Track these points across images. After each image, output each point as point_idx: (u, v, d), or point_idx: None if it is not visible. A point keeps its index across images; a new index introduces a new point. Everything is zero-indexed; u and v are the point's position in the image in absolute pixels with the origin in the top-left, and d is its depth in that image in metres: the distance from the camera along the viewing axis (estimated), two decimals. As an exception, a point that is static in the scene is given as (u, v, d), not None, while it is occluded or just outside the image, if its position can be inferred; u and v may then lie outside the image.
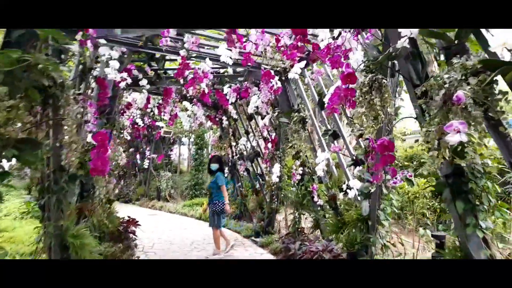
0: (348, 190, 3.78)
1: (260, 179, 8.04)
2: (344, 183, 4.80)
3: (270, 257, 6.08)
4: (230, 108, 7.99)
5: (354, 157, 4.46)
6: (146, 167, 13.71)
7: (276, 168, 6.13)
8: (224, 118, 8.59)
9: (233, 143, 8.94)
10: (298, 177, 5.52)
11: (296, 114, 5.52)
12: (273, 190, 7.17)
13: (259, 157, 8.15)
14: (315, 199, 5.09)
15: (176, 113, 8.46)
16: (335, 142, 5.04)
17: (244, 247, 6.80)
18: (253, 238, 7.35)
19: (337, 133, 5.04)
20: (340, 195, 4.74)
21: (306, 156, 5.81)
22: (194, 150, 13.25)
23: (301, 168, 5.56)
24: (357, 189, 3.69)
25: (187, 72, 4.76)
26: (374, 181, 2.88)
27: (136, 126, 6.42)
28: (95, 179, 4.26)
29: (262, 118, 7.69)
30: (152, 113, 12.46)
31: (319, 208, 5.48)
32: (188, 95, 6.70)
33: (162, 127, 12.94)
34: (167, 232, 8.24)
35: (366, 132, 3.11)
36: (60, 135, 2.97)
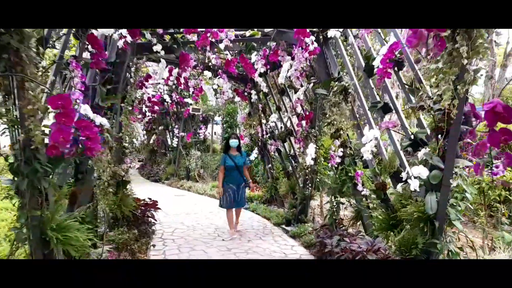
0: (409, 180, 2.81)
1: (293, 161, 7.15)
2: (394, 168, 3.81)
3: (302, 250, 5.26)
4: (260, 80, 7.07)
5: (412, 136, 3.45)
6: (175, 145, 13.23)
7: (311, 148, 5.21)
8: (253, 92, 7.69)
9: (263, 121, 8.07)
10: (338, 159, 4.58)
11: (336, 83, 4.52)
12: (307, 173, 6.28)
13: (291, 136, 7.23)
14: (359, 187, 4.13)
15: (201, 86, 7.68)
16: (386, 117, 4.03)
17: (272, 237, 6.03)
18: (283, 226, 6.56)
19: (389, 106, 4.01)
20: (394, 185, 3.76)
21: (347, 135, 4.84)
22: (223, 128, 12.53)
23: (341, 149, 4.60)
24: (421, 179, 2.72)
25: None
26: (473, 171, 1.91)
27: (152, 100, 5.74)
28: (94, 159, 3.58)
29: (296, 92, 6.72)
30: (180, 89, 11.85)
31: (362, 197, 4.54)
32: (210, 64, 5.86)
33: (191, 104, 12.31)
34: (192, 215, 7.66)
35: (445, 98, 2.11)
36: (23, 102, 2.25)
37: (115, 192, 5.45)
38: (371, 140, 3.47)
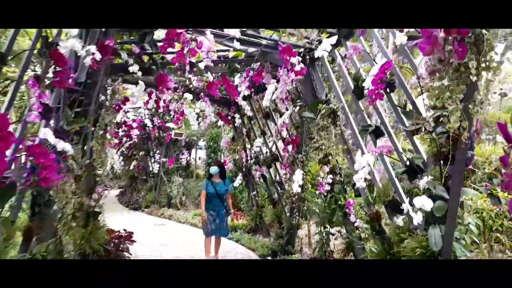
0: (412, 213, 2.50)
1: (279, 188, 6.81)
2: (389, 197, 3.51)
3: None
4: (243, 104, 6.82)
5: (408, 162, 3.18)
6: (156, 171, 12.72)
7: (298, 175, 4.90)
8: (237, 116, 7.42)
9: (248, 145, 7.76)
10: (327, 187, 4.27)
11: (324, 106, 4.28)
12: (294, 201, 5.93)
13: (277, 162, 6.93)
14: (352, 217, 3.80)
15: (183, 110, 7.37)
16: (377, 141, 3.78)
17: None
18: (269, 258, 6.13)
19: (380, 130, 3.77)
20: (389, 215, 3.45)
21: (336, 160, 4.56)
22: (207, 154, 12.15)
23: (331, 176, 4.30)
24: (423, 211, 2.42)
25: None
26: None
27: (128, 124, 5.34)
28: (56, 189, 3.16)
29: (281, 116, 6.49)
30: (161, 113, 11.50)
31: (354, 227, 4.20)
32: (192, 87, 5.57)
33: (173, 129, 11.93)
34: (170, 247, 7.13)
35: (453, 120, 1.84)
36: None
37: (85, 224, 4.97)
38: (363, 167, 3.18)
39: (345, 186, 4.57)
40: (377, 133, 3.78)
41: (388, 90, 3.56)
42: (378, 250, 3.39)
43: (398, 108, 3.42)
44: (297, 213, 5.94)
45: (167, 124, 11.64)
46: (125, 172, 16.72)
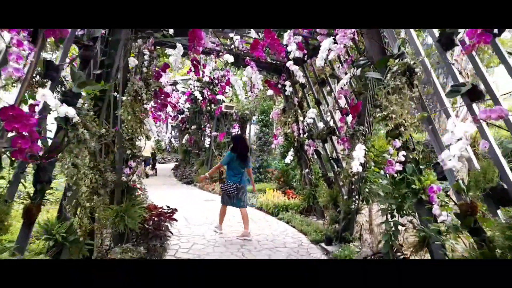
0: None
1: (335, 165, 5.92)
2: (493, 183, 2.50)
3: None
4: (295, 69, 5.94)
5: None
6: (207, 146, 12.41)
7: (359, 151, 3.99)
8: (288, 84, 6.54)
9: (300, 117, 6.90)
10: (398, 167, 3.32)
11: (396, 61, 3.28)
12: (353, 182, 5.04)
13: (333, 136, 6.00)
14: (436, 210, 2.84)
15: (228, 78, 6.69)
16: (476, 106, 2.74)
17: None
18: (323, 245, 5.37)
19: (479, 90, 2.72)
20: (491, 209, 2.47)
21: (409, 133, 3.56)
22: (258, 128, 11.48)
23: (403, 153, 3.34)
24: None
25: None
26: None
27: (162, 92, 4.81)
28: (63, 163, 2.67)
29: (339, 82, 5.52)
30: (211, 85, 11.00)
31: (431, 217, 3.25)
32: (234, 48, 4.82)
33: (224, 102, 11.40)
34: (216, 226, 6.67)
35: None
36: None
37: (119, 201, 4.61)
38: (459, 140, 2.21)
39: (420, 166, 3.59)
40: (474, 94, 2.73)
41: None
42: (474, 254, 2.45)
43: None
44: (356, 196, 5.04)
45: (217, 97, 11.13)
46: (179, 146, 16.83)
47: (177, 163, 17.40)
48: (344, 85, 4.93)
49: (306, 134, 6.72)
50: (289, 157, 7.51)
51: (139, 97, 4.05)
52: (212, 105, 12.00)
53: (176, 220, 5.46)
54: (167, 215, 5.43)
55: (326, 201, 5.83)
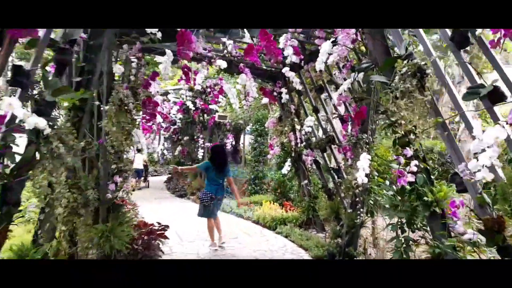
0: None
1: (335, 176, 5.62)
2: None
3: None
4: (291, 75, 5.68)
5: None
6: (200, 157, 12.04)
7: (364, 160, 3.69)
8: (284, 91, 6.27)
9: (297, 126, 6.62)
10: (410, 178, 3.03)
11: (405, 62, 3.01)
12: (356, 193, 4.73)
13: (333, 144, 5.72)
14: (459, 227, 2.53)
15: (221, 87, 6.40)
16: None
17: (312, 279, 4.51)
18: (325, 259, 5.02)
19: (500, 91, 2.45)
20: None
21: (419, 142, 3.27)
22: (253, 137, 11.18)
23: (415, 163, 3.05)
24: None
25: None
26: None
27: (151, 101, 4.50)
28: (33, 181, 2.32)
29: (337, 88, 5.26)
30: (204, 94, 10.72)
31: (446, 232, 2.96)
32: (227, 54, 4.53)
33: (217, 111, 11.10)
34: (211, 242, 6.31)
35: None
36: None
37: (105, 219, 4.25)
38: (489, 147, 1.92)
39: (430, 176, 3.31)
40: (496, 96, 2.46)
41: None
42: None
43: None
44: (361, 207, 4.73)
45: (210, 106, 10.83)
46: (172, 158, 16.43)
47: (169, 175, 16.96)
48: (344, 91, 4.66)
49: (304, 143, 6.43)
50: (286, 168, 7.20)
51: (125, 107, 3.72)
52: (205, 115, 11.69)
53: (167, 238, 5.10)
54: (158, 232, 5.07)
55: (327, 214, 5.51)
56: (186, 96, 10.56)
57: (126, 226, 4.55)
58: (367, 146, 4.33)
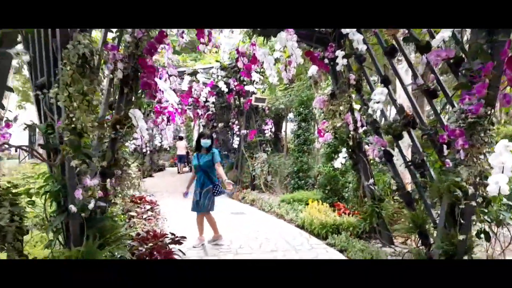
0: None
1: (417, 174, 3.86)
2: None
3: None
4: (352, 31, 3.97)
5: None
6: (236, 146, 10.63)
7: (507, 154, 1.96)
8: (340, 54, 4.50)
9: (356, 105, 4.91)
10: None
11: None
12: (461, 204, 2.97)
13: (413, 128, 3.96)
14: None
15: (254, 54, 4.87)
16: None
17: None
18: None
19: None
20: None
21: None
22: (296, 123, 9.53)
23: None
24: None
25: None
26: None
27: (147, 68, 3.13)
28: None
29: (423, 50, 3.50)
30: (239, 74, 9.20)
31: None
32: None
33: (254, 93, 9.56)
34: (243, 253, 4.86)
35: None
36: None
37: (79, 239, 2.92)
38: None
39: None
40: None
41: None
42: None
43: None
44: (469, 228, 2.99)
45: (246, 88, 9.31)
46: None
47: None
48: (444, 42, 2.89)
49: (367, 126, 4.70)
50: (341, 160, 5.53)
51: (89, 67, 2.28)
52: (241, 98, 10.21)
53: (183, 254, 3.77)
54: (165, 251, 3.69)
55: (406, 229, 3.79)
56: (218, 76, 9.11)
57: (118, 244, 3.22)
58: (491, 131, 2.56)
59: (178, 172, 16.29)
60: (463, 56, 3.32)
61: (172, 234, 4.36)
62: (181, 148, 16.52)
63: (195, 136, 25.30)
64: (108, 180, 3.48)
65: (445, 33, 2.93)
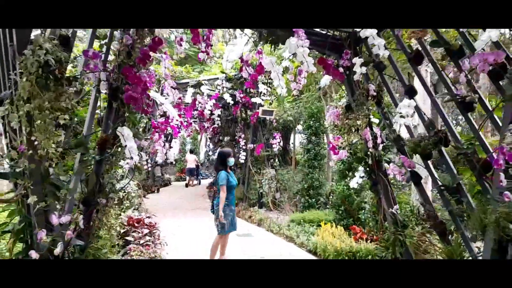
0: None
1: (447, 199, 3.28)
2: None
3: None
4: (372, 34, 3.48)
5: None
6: (242, 162, 10.11)
7: None
8: (357, 62, 3.98)
9: (374, 118, 4.37)
10: None
11: None
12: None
13: (445, 146, 3.40)
14: None
15: (260, 63, 4.37)
16: None
17: None
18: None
19: None
20: None
21: None
22: (305, 136, 8.99)
23: None
24: None
25: None
26: None
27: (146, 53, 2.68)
28: None
29: (455, 56, 3.00)
30: (244, 86, 8.73)
31: None
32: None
33: (261, 105, 9.07)
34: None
35: None
36: None
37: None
38: None
39: None
40: None
41: None
42: None
43: None
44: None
45: (253, 100, 8.83)
46: (212, 162, 14.86)
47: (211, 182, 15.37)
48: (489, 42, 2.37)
49: (386, 142, 4.15)
50: (357, 180, 4.96)
51: (54, 78, 1.80)
52: (247, 111, 9.73)
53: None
54: None
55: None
56: (223, 87, 8.66)
57: None
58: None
59: (187, 186, 16.19)
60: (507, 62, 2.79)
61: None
62: (191, 161, 16.48)
63: (202, 149, 24.87)
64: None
65: (492, 33, 2.42)
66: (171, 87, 4.99)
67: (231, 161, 5.19)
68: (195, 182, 16.77)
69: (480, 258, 2.94)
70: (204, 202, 12.05)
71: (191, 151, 17.92)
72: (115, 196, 3.27)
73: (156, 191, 13.84)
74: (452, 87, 3.36)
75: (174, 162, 18.98)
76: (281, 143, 10.28)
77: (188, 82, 8.33)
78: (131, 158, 3.05)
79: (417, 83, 5.44)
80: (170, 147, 17.52)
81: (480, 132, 3.17)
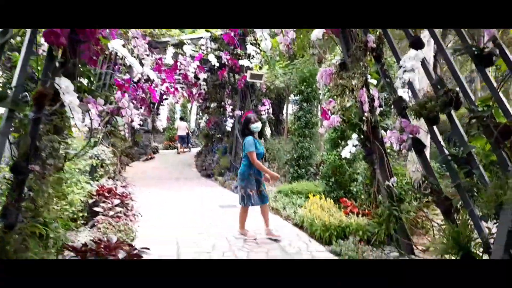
0: None
1: (456, 171, 2.78)
2: None
3: None
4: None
5: None
6: (229, 129, 9.54)
7: None
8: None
9: (372, 79, 3.79)
10: None
11: None
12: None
13: (455, 110, 2.85)
14: None
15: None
16: None
17: None
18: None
19: None
20: None
21: None
22: (297, 103, 8.39)
23: None
24: None
25: None
26: None
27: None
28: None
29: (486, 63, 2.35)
30: (233, 47, 8.04)
31: None
32: None
33: (249, 68, 8.38)
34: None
35: None
36: None
37: None
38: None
39: None
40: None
41: None
42: None
43: None
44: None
45: (240, 62, 8.13)
46: (202, 129, 14.35)
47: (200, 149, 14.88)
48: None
49: (385, 107, 3.59)
50: (350, 148, 4.45)
51: None
52: (235, 75, 9.04)
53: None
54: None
55: (445, 250, 2.72)
56: (208, 48, 7.92)
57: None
58: None
59: (178, 153, 16.18)
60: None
61: (130, 245, 3.35)
62: (182, 128, 16.44)
63: (193, 117, 24.10)
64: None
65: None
66: (134, 37, 4.32)
67: (255, 127, 4.74)
68: (186, 149, 16.78)
69: (492, 241, 2.49)
70: (190, 172, 11.60)
71: (181, 118, 17.71)
72: (57, 163, 2.71)
73: (147, 159, 13.48)
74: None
75: (162, 130, 18.40)
76: (272, 111, 9.69)
77: (169, 41, 7.57)
78: (72, 117, 2.48)
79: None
80: (158, 114, 16.86)
81: (500, 93, 2.63)
